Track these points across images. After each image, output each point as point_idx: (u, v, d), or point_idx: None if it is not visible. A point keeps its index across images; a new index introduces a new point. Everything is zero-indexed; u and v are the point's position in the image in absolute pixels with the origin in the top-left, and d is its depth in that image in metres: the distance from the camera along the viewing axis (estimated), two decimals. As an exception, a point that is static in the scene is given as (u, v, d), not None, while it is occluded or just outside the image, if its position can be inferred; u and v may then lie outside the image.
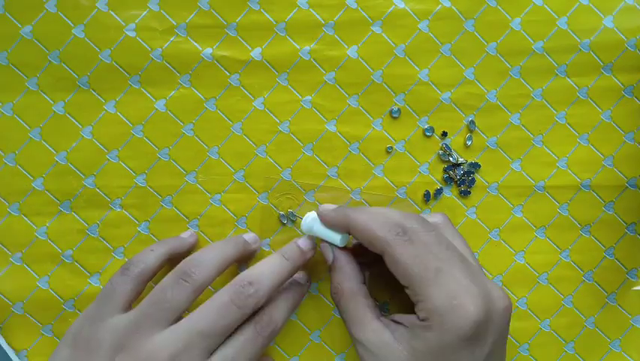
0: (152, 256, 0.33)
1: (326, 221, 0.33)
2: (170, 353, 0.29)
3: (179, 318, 0.30)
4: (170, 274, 0.31)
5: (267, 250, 0.37)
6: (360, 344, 0.30)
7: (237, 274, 0.33)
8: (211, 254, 0.32)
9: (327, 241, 0.33)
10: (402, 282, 0.29)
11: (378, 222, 0.30)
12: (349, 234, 0.32)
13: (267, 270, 0.32)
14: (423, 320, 0.28)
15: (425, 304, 0.28)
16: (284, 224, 0.36)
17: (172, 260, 0.34)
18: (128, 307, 0.31)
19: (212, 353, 0.30)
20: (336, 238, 0.33)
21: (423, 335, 0.28)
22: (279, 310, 0.32)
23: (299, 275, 0.36)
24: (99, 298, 0.32)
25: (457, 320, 0.27)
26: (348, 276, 0.32)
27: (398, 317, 0.30)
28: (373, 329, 0.30)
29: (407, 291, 0.29)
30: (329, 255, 0.33)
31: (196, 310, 0.30)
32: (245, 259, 0.36)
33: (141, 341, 0.29)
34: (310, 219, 0.34)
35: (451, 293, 0.28)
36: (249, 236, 0.36)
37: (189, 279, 0.31)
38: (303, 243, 0.34)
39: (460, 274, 0.29)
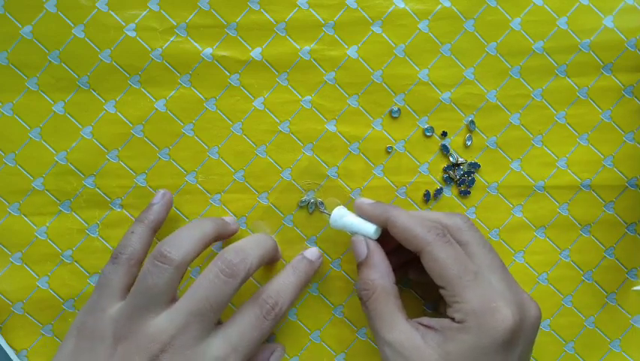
0: (134, 238, 0.33)
1: (363, 212, 0.33)
2: (169, 335, 0.29)
3: (173, 297, 0.30)
4: (148, 258, 0.31)
5: (267, 250, 0.37)
6: (387, 346, 0.29)
7: None
8: (186, 232, 0.32)
9: (358, 234, 0.32)
10: (438, 282, 0.29)
11: (418, 220, 0.30)
12: (384, 230, 0.32)
13: (251, 240, 0.33)
14: (459, 322, 0.28)
15: (462, 305, 0.28)
16: (303, 207, 0.36)
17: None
18: (126, 293, 0.31)
19: (213, 328, 0.30)
20: (370, 229, 0.32)
21: (457, 338, 0.28)
22: (285, 292, 0.32)
23: (310, 251, 0.35)
24: (96, 290, 0.32)
25: (494, 323, 0.27)
26: (382, 273, 0.31)
27: (426, 320, 0.30)
28: (403, 330, 0.29)
29: (442, 292, 0.29)
30: (362, 249, 0.32)
31: (188, 290, 0.30)
32: (224, 238, 0.36)
33: (139, 328, 0.29)
34: (340, 213, 0.33)
35: (489, 297, 0.28)
36: (228, 218, 0.36)
37: (166, 260, 0.30)
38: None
39: (497, 280, 0.29)
